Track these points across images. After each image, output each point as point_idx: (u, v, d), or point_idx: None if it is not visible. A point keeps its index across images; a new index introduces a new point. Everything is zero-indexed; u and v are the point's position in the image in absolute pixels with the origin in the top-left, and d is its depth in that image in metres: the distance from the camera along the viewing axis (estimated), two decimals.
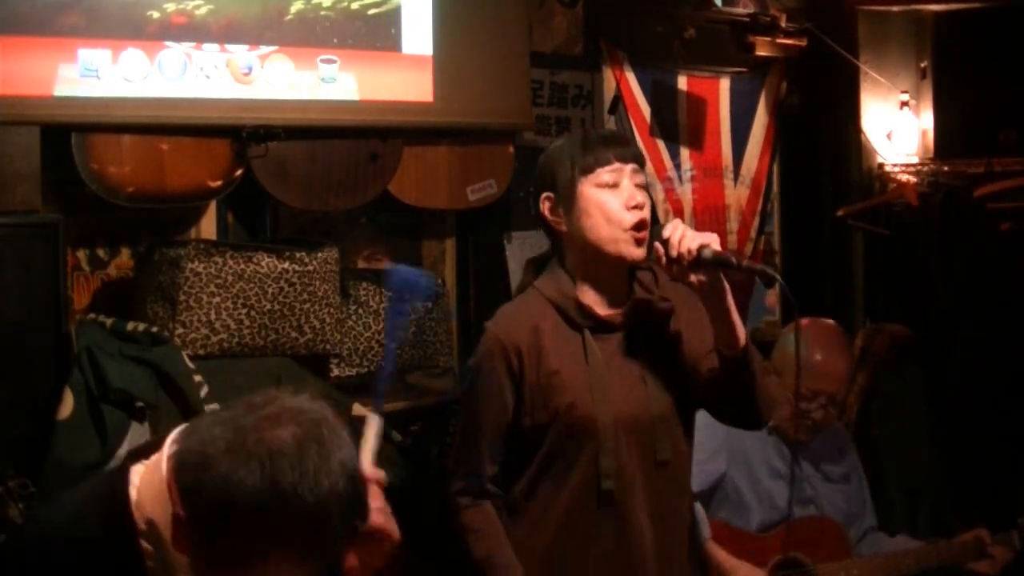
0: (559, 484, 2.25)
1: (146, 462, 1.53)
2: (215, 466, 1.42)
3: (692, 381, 2.28)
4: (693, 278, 2.12)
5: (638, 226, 2.20)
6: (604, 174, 2.22)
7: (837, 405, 2.97)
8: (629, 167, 2.24)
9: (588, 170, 2.23)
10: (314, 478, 1.43)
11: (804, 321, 3.02)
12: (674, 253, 2.11)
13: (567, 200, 2.25)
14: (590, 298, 2.27)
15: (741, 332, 2.17)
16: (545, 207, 2.29)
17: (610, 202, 2.21)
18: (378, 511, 1.60)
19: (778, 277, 2.20)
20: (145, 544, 1.49)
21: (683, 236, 2.11)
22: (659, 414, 2.25)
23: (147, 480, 1.50)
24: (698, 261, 2.09)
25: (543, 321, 2.26)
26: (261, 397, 1.50)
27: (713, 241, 2.11)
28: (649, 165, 4.08)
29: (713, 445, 2.81)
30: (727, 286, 2.14)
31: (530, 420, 2.25)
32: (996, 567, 2.95)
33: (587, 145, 2.26)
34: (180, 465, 1.45)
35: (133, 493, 1.51)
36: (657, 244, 2.14)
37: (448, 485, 2.35)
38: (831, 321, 3.08)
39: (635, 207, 2.20)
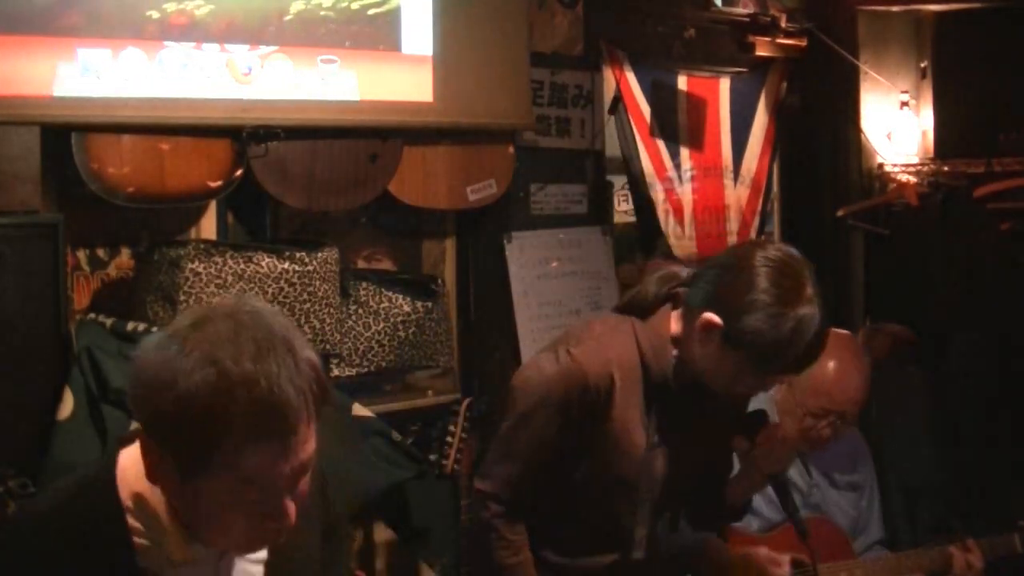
0: (593, 534, 2.25)
1: (133, 444, 1.53)
2: (154, 360, 1.41)
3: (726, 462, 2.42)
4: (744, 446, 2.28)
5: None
6: (774, 378, 2.16)
7: (849, 423, 2.90)
8: (777, 380, 2.28)
9: (759, 368, 2.06)
10: (255, 352, 1.39)
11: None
12: (754, 457, 2.27)
13: (730, 347, 2.04)
14: (671, 369, 2.17)
15: (748, 506, 2.38)
16: (704, 327, 2.05)
17: (744, 381, 2.12)
18: None
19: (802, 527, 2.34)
20: (132, 521, 1.49)
21: (768, 453, 2.26)
22: (691, 496, 2.38)
23: (133, 459, 1.50)
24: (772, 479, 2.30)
25: (626, 369, 2.14)
26: (202, 306, 1.50)
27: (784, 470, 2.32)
28: (649, 165, 4.09)
29: None
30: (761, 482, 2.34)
31: (574, 466, 2.19)
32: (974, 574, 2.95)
33: (797, 357, 2.04)
34: (130, 377, 1.44)
35: (119, 473, 1.51)
36: (741, 438, 2.27)
37: (479, 482, 2.26)
38: (845, 331, 3.00)
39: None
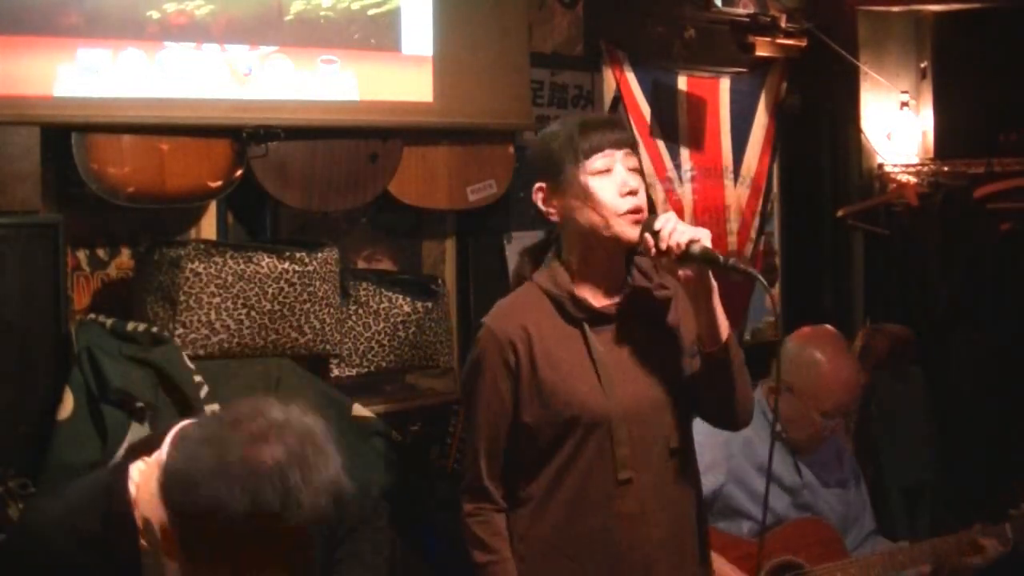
0: (572, 477, 2.24)
1: (147, 459, 1.54)
2: (200, 488, 1.47)
3: (688, 367, 2.28)
4: (680, 272, 2.13)
5: (633, 212, 2.19)
6: (596, 161, 2.20)
7: (848, 416, 2.96)
8: (621, 152, 2.22)
9: (579, 158, 2.20)
10: (296, 500, 1.48)
11: (806, 330, 3.01)
12: (663, 246, 2.11)
13: (560, 189, 2.23)
14: (587, 289, 2.25)
15: (724, 329, 2.18)
16: (539, 197, 2.28)
17: (603, 189, 2.19)
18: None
19: (762, 279, 2.17)
20: (142, 541, 1.50)
21: (674, 229, 2.11)
22: (664, 402, 2.26)
23: (146, 479, 1.52)
24: (686, 255, 2.10)
25: (540, 315, 2.25)
26: (248, 408, 1.52)
27: (704, 237, 2.11)
28: (649, 165, 4.09)
29: (713, 456, 2.80)
30: (714, 283, 2.15)
31: (531, 416, 2.24)
32: (987, 559, 2.94)
33: (578, 132, 2.22)
34: (168, 482, 1.49)
35: (133, 490, 1.52)
36: (647, 235, 2.15)
37: (459, 484, 2.35)
38: (831, 328, 3.05)
39: (629, 193, 2.19)
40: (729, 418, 2.34)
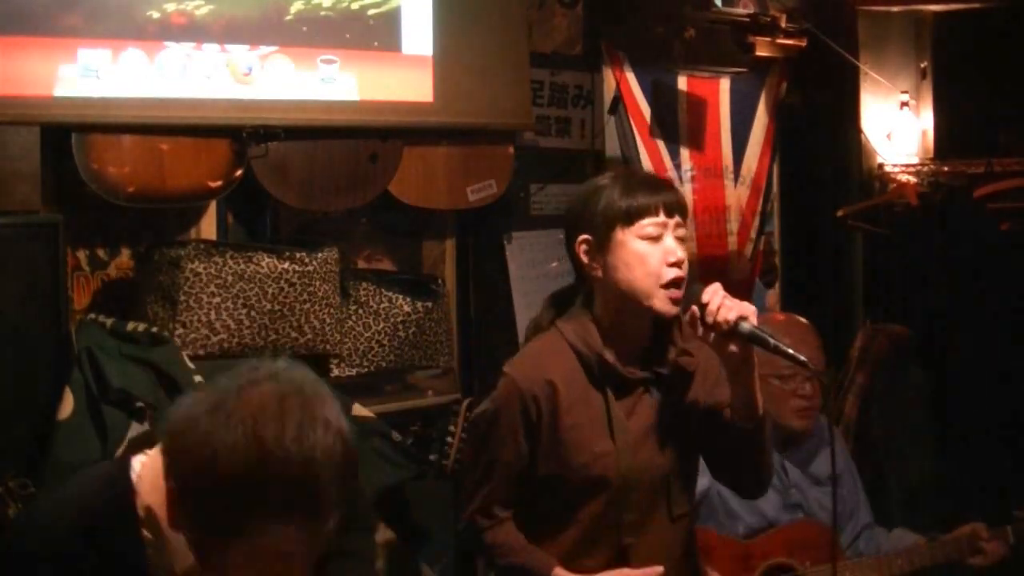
0: (576, 538, 2.24)
1: (148, 452, 1.54)
2: (198, 427, 1.42)
3: (707, 438, 2.27)
4: (727, 348, 2.09)
5: (675, 283, 2.14)
6: (648, 226, 2.14)
7: (820, 373, 2.94)
8: (674, 220, 2.16)
9: (632, 219, 2.14)
10: (298, 431, 1.41)
11: (767, 315, 3.06)
12: (711, 320, 2.07)
13: (605, 246, 2.17)
14: (613, 351, 2.21)
15: (760, 404, 2.15)
16: (581, 250, 2.21)
17: (651, 256, 2.13)
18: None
19: (810, 365, 2.11)
20: (145, 532, 1.49)
21: (721, 304, 2.06)
22: (676, 470, 2.26)
23: (148, 468, 1.51)
24: (733, 332, 2.06)
25: (565, 370, 2.20)
26: (244, 366, 1.50)
27: (751, 315, 2.07)
28: (649, 165, 4.09)
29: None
30: (752, 358, 2.11)
31: (545, 471, 2.22)
32: (989, 560, 2.94)
33: (633, 190, 2.16)
34: (168, 434, 1.45)
35: (135, 480, 1.51)
36: (694, 308, 2.10)
37: (460, 520, 2.33)
38: (791, 314, 3.11)
39: (675, 264, 2.14)
40: (752, 485, 2.33)
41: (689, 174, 4.27)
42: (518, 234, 3.71)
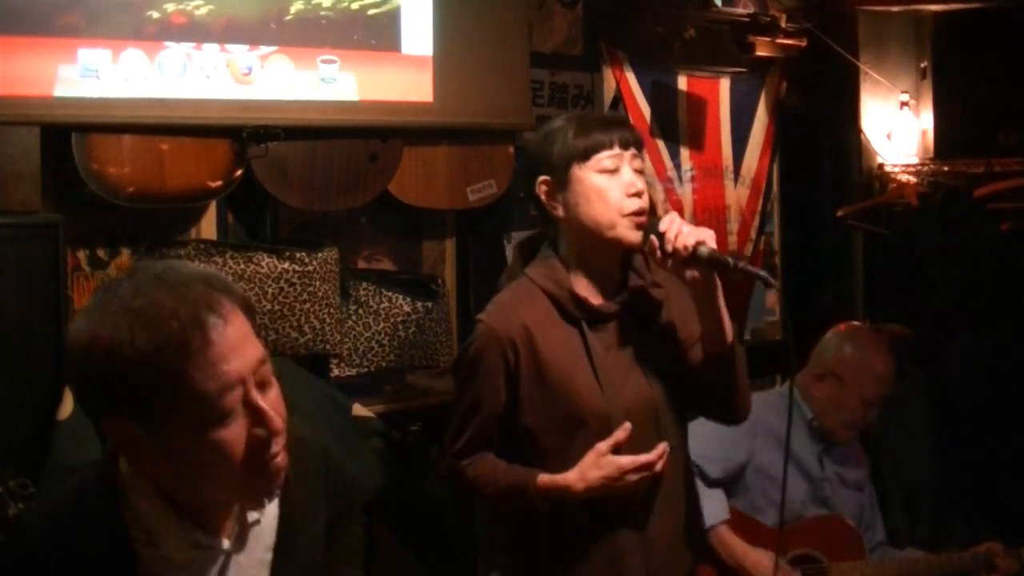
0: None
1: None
2: (81, 342, 1.40)
3: (683, 368, 2.28)
4: (687, 274, 2.11)
5: (637, 213, 2.18)
6: (604, 159, 2.19)
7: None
8: (629, 152, 2.21)
9: (588, 155, 2.19)
10: (174, 289, 1.40)
11: (843, 325, 3.14)
12: (670, 248, 2.10)
13: (564, 184, 2.22)
14: (584, 287, 2.25)
15: (729, 330, 2.18)
16: (542, 191, 2.26)
17: (610, 188, 2.18)
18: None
19: (774, 282, 2.15)
20: (133, 527, 1.48)
21: (680, 231, 2.10)
22: (662, 401, 2.25)
23: (132, 468, 1.50)
24: (693, 258, 2.09)
25: (538, 312, 2.24)
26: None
27: (709, 238, 2.10)
28: (649, 165, 4.09)
29: (735, 436, 2.80)
30: (719, 284, 2.14)
31: (532, 417, 2.24)
32: None
33: (587, 128, 2.22)
34: (69, 378, 1.44)
35: (119, 478, 1.50)
36: (652, 237, 2.13)
37: (436, 468, 2.36)
38: (862, 324, 3.22)
39: (635, 194, 2.18)
40: (729, 414, 2.35)
41: (689, 174, 4.27)
42: (518, 234, 3.70)
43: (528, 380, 2.23)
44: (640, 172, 2.23)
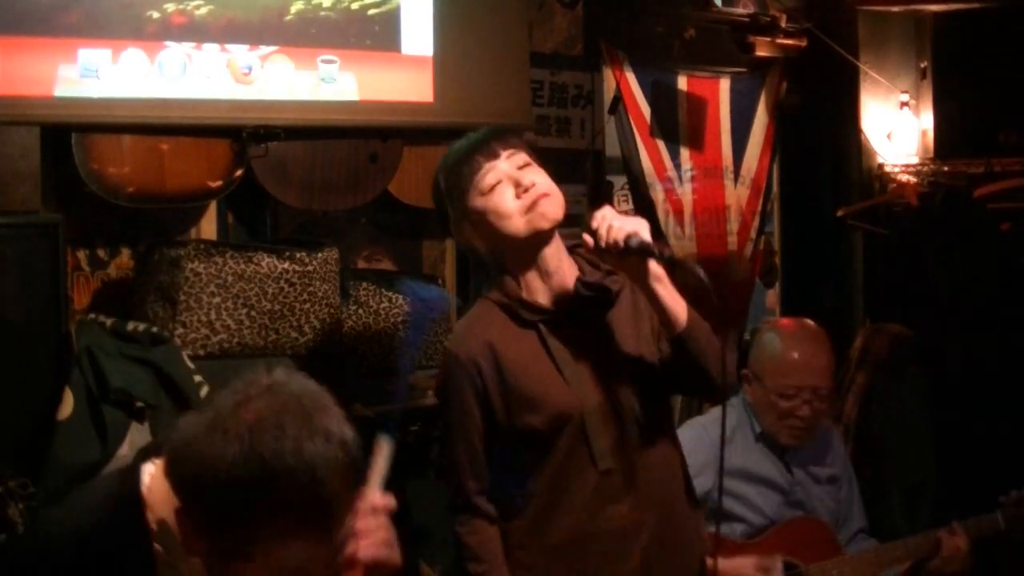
0: (555, 478, 2.24)
1: (156, 461, 1.52)
2: (196, 448, 1.41)
3: (654, 352, 2.28)
4: (624, 264, 2.14)
5: (528, 207, 2.18)
6: (480, 182, 2.19)
7: (824, 400, 2.94)
8: (501, 157, 2.20)
9: (465, 186, 2.20)
10: (295, 443, 1.40)
11: (780, 320, 3.04)
12: (602, 244, 2.12)
13: (469, 219, 2.23)
14: (536, 293, 2.26)
15: (679, 312, 2.16)
16: (459, 236, 2.29)
17: (501, 199, 2.18)
18: (383, 543, 1.55)
19: (694, 269, 2.13)
20: (157, 546, 1.48)
21: (610, 227, 2.11)
22: (632, 390, 2.25)
23: (158, 479, 1.50)
24: (626, 250, 2.10)
25: (496, 326, 2.25)
26: (241, 381, 1.49)
27: (642, 229, 2.11)
28: (649, 165, 4.09)
29: (696, 462, 2.80)
30: (659, 271, 2.13)
31: (509, 425, 2.24)
32: (960, 562, 2.95)
33: (454, 165, 2.23)
34: (170, 457, 1.45)
35: (145, 493, 1.50)
36: (585, 235, 2.15)
37: (450, 505, 2.35)
38: (808, 320, 3.08)
39: (524, 191, 2.18)
40: (708, 388, 2.34)
41: (689, 174, 4.27)
42: None
43: (497, 392, 2.24)
44: (526, 166, 2.22)
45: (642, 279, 2.15)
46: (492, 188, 2.19)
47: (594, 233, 2.13)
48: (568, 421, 2.21)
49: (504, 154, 2.21)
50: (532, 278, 2.27)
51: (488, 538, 2.28)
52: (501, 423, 2.25)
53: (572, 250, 2.29)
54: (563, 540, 2.25)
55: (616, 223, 2.11)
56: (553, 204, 2.19)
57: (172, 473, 1.44)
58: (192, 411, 1.51)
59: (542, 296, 2.26)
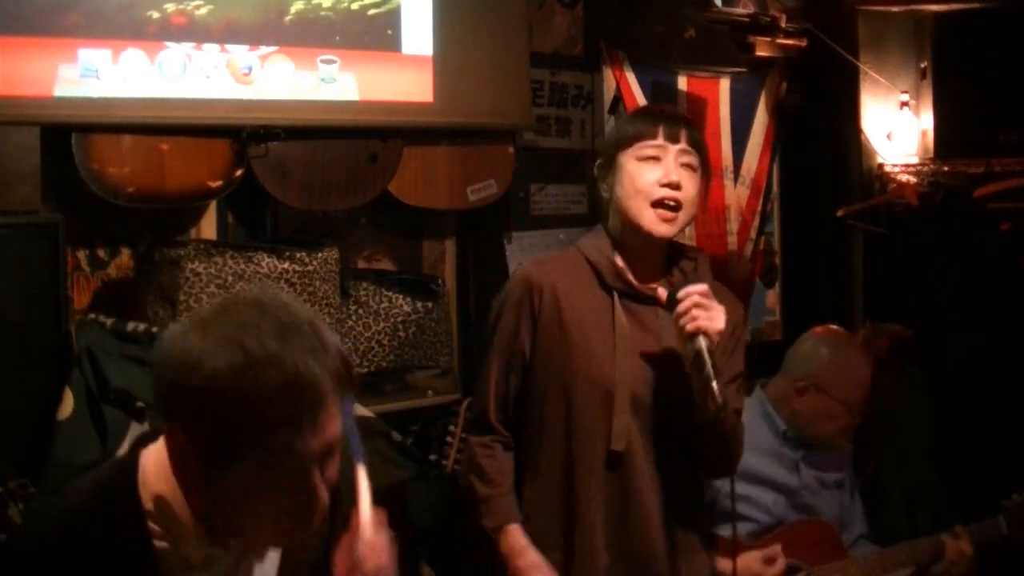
0: (570, 440, 2.27)
1: (154, 445, 1.53)
2: (184, 347, 1.41)
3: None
4: (683, 345, 2.18)
5: (663, 202, 2.21)
6: (646, 148, 2.24)
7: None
8: (677, 147, 2.24)
9: (631, 142, 2.26)
10: (280, 332, 1.41)
11: (819, 330, 3.06)
12: (675, 319, 2.16)
13: (610, 168, 2.29)
14: (628, 262, 2.30)
15: (712, 403, 2.15)
16: (596, 175, 2.34)
17: (642, 175, 2.23)
18: (380, 570, 1.57)
19: (719, 410, 2.14)
20: (152, 524, 1.48)
21: (687, 311, 2.13)
22: (670, 393, 2.26)
23: (154, 456, 1.50)
24: (689, 338, 2.15)
25: (574, 277, 2.29)
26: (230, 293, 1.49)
27: (713, 333, 2.12)
28: None
29: None
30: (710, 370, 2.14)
31: (543, 368, 2.27)
32: (966, 565, 2.96)
33: (637, 118, 2.32)
34: (156, 362, 1.44)
35: (140, 475, 1.50)
36: (661, 290, 2.22)
37: (468, 412, 2.46)
38: (840, 327, 3.14)
39: (667, 184, 2.20)
40: (716, 471, 2.39)
41: None
42: (518, 234, 3.71)
43: (549, 329, 2.28)
44: (688, 167, 2.24)
45: (692, 365, 2.17)
46: (648, 160, 2.23)
47: (673, 298, 2.17)
48: (597, 389, 2.23)
49: (682, 146, 2.24)
50: (624, 252, 2.30)
51: (503, 463, 2.32)
52: (537, 362, 2.28)
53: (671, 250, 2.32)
54: (560, 502, 2.28)
55: (695, 312, 2.13)
56: (680, 216, 2.23)
57: (158, 378, 1.44)
58: (177, 321, 1.51)
59: (631, 266, 2.30)
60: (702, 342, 2.11)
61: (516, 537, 2.25)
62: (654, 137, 2.24)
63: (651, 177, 2.22)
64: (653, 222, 2.22)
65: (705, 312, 2.13)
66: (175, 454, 1.45)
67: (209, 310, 1.46)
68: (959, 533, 2.97)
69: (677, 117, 2.36)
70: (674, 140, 2.24)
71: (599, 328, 2.25)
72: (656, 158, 2.22)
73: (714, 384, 2.10)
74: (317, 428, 1.43)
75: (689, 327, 2.12)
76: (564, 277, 2.29)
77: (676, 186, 2.21)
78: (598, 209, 2.41)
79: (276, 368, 1.39)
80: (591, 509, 2.25)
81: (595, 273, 2.28)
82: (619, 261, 2.29)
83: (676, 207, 2.21)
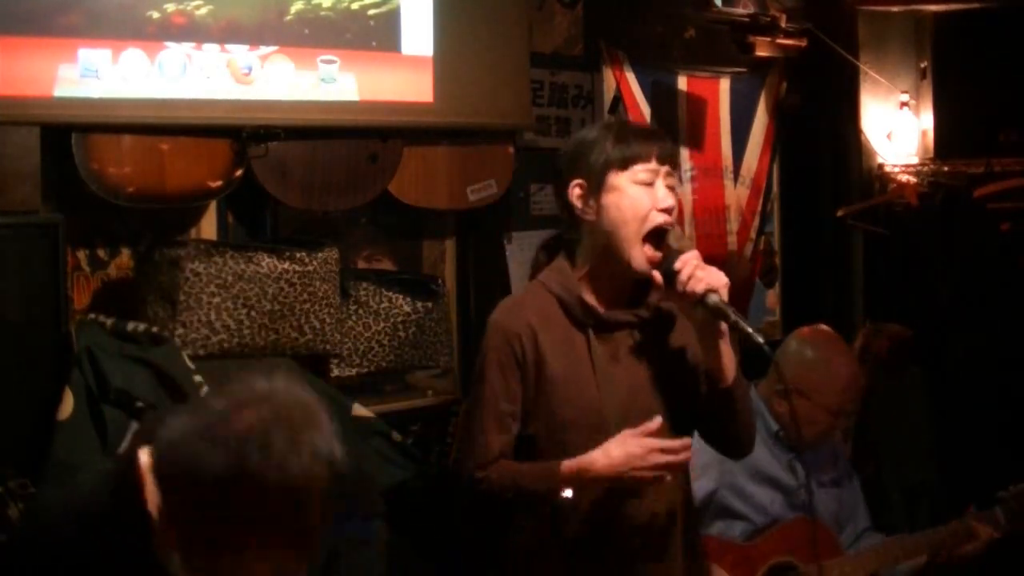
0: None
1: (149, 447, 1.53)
2: (180, 448, 1.43)
3: (688, 393, 2.28)
4: (693, 313, 2.14)
5: (657, 232, 2.18)
6: (641, 171, 2.19)
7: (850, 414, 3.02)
8: (664, 168, 2.21)
9: (627, 164, 2.20)
10: (282, 458, 1.42)
11: (806, 330, 3.03)
12: (679, 289, 2.11)
13: (600, 189, 2.21)
14: (592, 295, 2.25)
15: (730, 371, 2.17)
16: (574, 195, 2.25)
17: (641, 200, 2.18)
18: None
19: (765, 347, 2.12)
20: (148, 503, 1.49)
21: (691, 275, 2.10)
22: (665, 415, 2.24)
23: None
24: (701, 303, 2.10)
25: (545, 314, 2.24)
26: (236, 383, 1.49)
27: (722, 288, 2.10)
28: None
29: (702, 461, 2.79)
30: (724, 328, 2.14)
31: (535, 424, 2.24)
32: (981, 546, 2.96)
33: (627, 138, 2.23)
34: (157, 455, 1.46)
35: (143, 473, 1.50)
36: (656, 272, 2.15)
37: (457, 480, 2.30)
38: (827, 327, 3.08)
39: (664, 210, 2.18)
40: (734, 447, 2.35)
41: (689, 174, 4.27)
42: (518, 234, 3.71)
43: (532, 374, 2.23)
44: (672, 189, 2.22)
45: (707, 332, 2.15)
46: (643, 184, 2.18)
47: (668, 272, 2.12)
48: (588, 428, 2.19)
49: (668, 167, 2.22)
50: (594, 282, 2.25)
51: (507, 463, 2.23)
52: (528, 423, 2.23)
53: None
54: (564, 541, 2.25)
55: (699, 273, 2.10)
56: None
57: (158, 471, 1.45)
58: (183, 408, 1.52)
59: (596, 300, 2.24)
60: (714, 297, 2.09)
61: (569, 465, 2.17)
62: (649, 160, 2.20)
63: (647, 202, 2.18)
64: (640, 261, 2.17)
65: (706, 271, 2.12)
66: (162, 529, 1.49)
67: (216, 408, 1.48)
68: (980, 516, 2.97)
69: (662, 136, 2.31)
70: (663, 162, 2.21)
71: (579, 366, 2.22)
72: (650, 183, 2.19)
73: (746, 326, 2.08)
74: (299, 552, 1.47)
75: (699, 289, 2.09)
76: (536, 317, 2.24)
77: (670, 211, 2.19)
78: (566, 232, 2.32)
79: (271, 496, 1.43)
80: (605, 540, 2.23)
81: (565, 310, 2.24)
82: (587, 297, 2.24)
83: (664, 235, 2.19)
